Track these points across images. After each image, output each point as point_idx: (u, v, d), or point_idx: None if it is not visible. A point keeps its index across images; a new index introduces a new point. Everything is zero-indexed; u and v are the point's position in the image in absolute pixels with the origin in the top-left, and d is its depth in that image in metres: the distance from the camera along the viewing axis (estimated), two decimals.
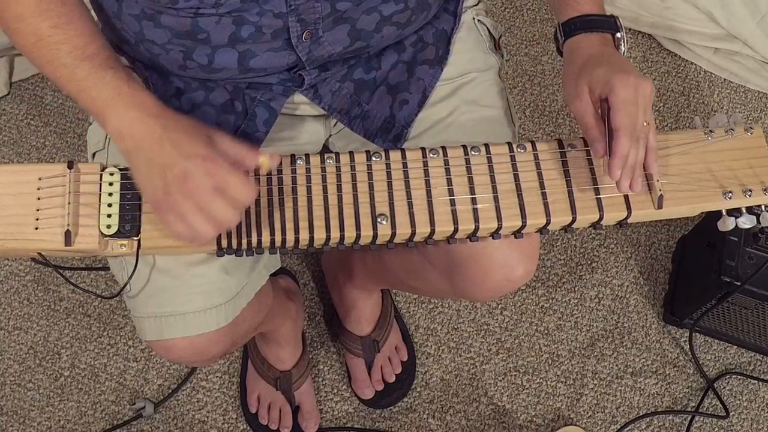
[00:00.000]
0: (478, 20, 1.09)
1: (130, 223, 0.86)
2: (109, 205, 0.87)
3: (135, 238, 0.87)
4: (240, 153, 0.83)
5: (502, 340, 1.53)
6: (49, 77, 0.86)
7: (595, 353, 1.53)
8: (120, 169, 0.88)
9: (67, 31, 0.85)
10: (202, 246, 0.86)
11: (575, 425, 1.46)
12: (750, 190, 0.92)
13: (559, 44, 0.96)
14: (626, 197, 0.91)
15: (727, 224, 0.94)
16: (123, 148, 0.83)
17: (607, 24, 0.93)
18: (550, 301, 1.56)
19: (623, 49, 0.94)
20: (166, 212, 0.81)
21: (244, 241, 0.87)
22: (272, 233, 0.87)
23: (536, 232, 0.94)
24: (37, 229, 0.85)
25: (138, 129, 0.82)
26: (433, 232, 0.89)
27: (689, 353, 1.52)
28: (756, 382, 1.51)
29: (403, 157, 0.91)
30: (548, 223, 0.90)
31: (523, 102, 1.73)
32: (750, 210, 0.93)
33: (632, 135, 0.84)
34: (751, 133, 0.96)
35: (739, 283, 1.33)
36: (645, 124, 0.86)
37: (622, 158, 0.85)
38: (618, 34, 0.93)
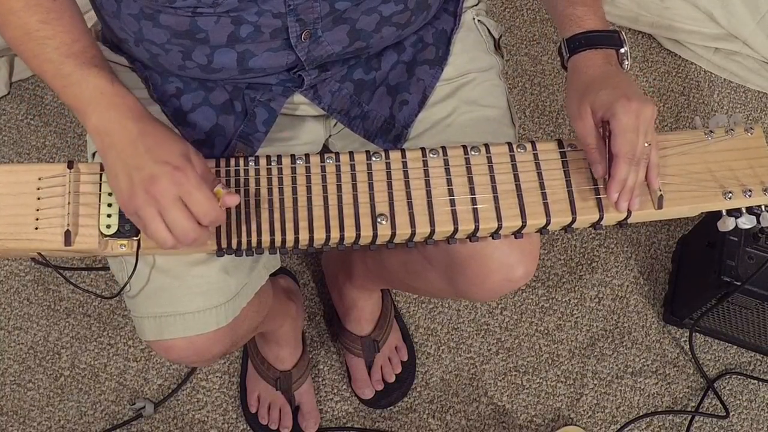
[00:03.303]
0: (478, 20, 1.09)
1: (129, 223, 0.86)
2: (109, 205, 0.87)
3: (135, 238, 0.87)
4: (205, 174, 0.83)
5: (502, 340, 1.53)
6: (35, 71, 0.87)
7: (595, 353, 1.53)
8: None
9: (56, 27, 0.85)
10: (199, 246, 0.87)
11: (575, 425, 1.46)
12: (750, 190, 0.92)
13: (563, 60, 0.96)
14: None
15: (727, 224, 0.94)
16: (99, 146, 0.84)
17: (611, 40, 0.93)
18: (550, 301, 1.56)
19: (627, 63, 0.94)
20: (131, 214, 0.83)
21: (244, 241, 0.87)
22: (272, 233, 0.87)
23: (536, 232, 0.94)
24: (37, 229, 0.85)
25: (115, 129, 0.83)
26: (433, 232, 0.89)
27: (689, 353, 1.52)
28: (756, 382, 1.51)
29: (403, 157, 0.91)
30: (548, 223, 0.90)
31: (523, 102, 1.72)
32: (750, 210, 0.94)
33: (631, 161, 0.86)
34: (752, 134, 0.96)
35: (739, 283, 1.33)
36: (646, 145, 0.87)
37: (620, 182, 0.87)
38: (622, 50, 0.93)
